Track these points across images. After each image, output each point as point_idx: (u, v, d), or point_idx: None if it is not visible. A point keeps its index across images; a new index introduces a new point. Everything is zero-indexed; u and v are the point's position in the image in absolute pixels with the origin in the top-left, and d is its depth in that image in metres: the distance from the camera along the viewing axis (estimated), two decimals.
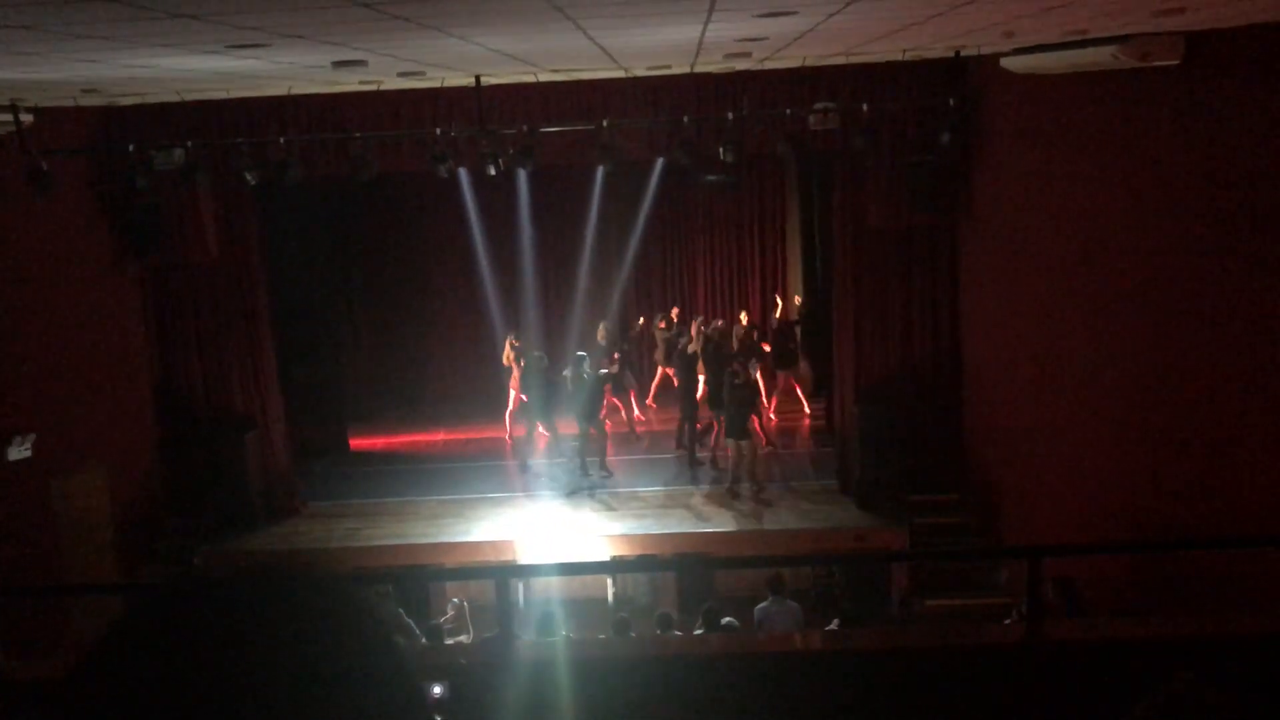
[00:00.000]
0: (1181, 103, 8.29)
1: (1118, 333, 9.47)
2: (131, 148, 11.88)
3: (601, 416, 14.38)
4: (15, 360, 11.44)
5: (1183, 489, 8.53)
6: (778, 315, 16.48)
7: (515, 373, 15.31)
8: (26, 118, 10.53)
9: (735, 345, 15.38)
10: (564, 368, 14.75)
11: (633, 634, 9.44)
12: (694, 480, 14.26)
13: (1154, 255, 8.82)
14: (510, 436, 15.84)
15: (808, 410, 16.36)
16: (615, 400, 15.43)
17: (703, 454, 14.57)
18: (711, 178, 12.66)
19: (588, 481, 14.19)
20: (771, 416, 15.84)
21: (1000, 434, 12.66)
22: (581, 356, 14.32)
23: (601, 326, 16.58)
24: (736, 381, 13.22)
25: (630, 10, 5.48)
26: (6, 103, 10.01)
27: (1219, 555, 7.71)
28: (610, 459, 14.52)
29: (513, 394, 15.55)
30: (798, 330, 16.11)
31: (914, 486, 13.20)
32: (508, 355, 15.54)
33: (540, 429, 15.28)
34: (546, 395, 14.79)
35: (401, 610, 10.48)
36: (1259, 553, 7.08)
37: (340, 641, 0.91)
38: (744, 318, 16.45)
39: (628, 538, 12.76)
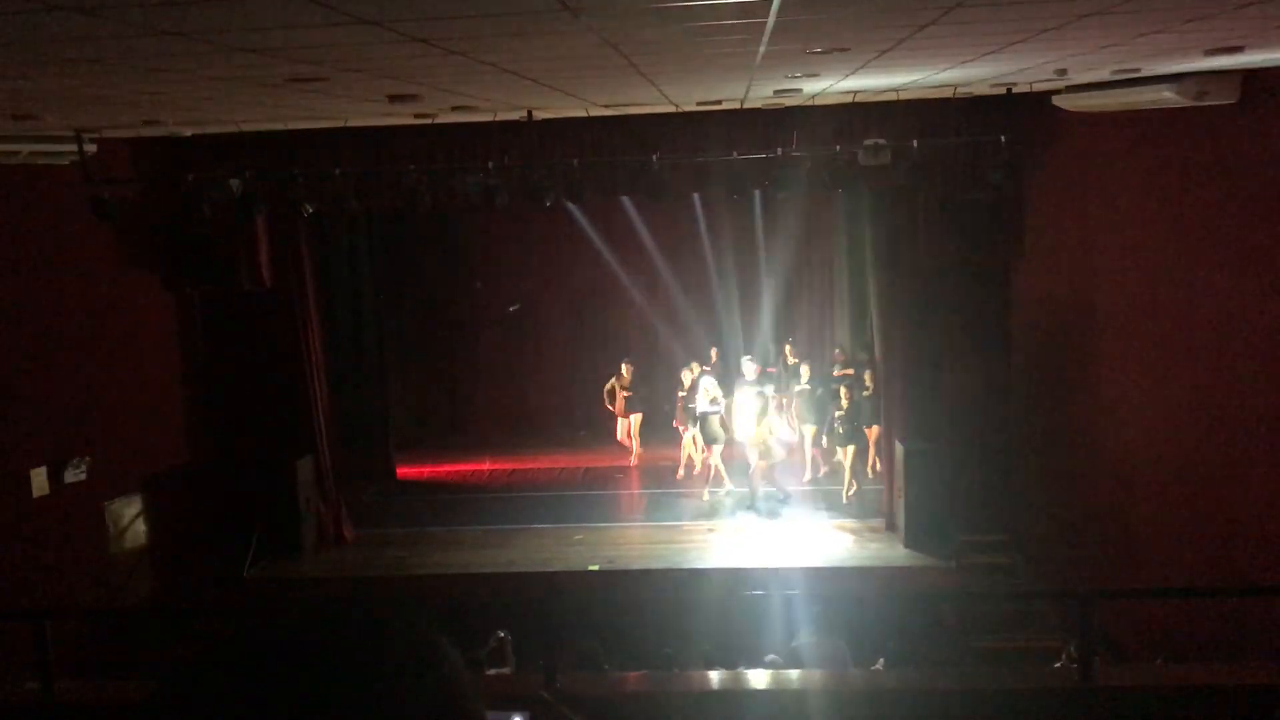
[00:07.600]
0: (1239, 141, 8.20)
1: (1180, 379, 9.29)
2: (191, 177, 12.10)
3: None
4: (70, 385, 11.66)
5: (1246, 535, 8.37)
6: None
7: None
8: (90, 147, 10.76)
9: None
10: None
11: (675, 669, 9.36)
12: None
13: (1213, 297, 8.68)
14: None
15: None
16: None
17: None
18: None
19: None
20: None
21: (1051, 475, 12.49)
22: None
23: (788, 345, 16.57)
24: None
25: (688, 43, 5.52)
26: (71, 133, 10.24)
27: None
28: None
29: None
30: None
31: (961, 526, 13.04)
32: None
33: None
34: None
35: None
36: None
37: (420, 689, 0.92)
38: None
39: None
